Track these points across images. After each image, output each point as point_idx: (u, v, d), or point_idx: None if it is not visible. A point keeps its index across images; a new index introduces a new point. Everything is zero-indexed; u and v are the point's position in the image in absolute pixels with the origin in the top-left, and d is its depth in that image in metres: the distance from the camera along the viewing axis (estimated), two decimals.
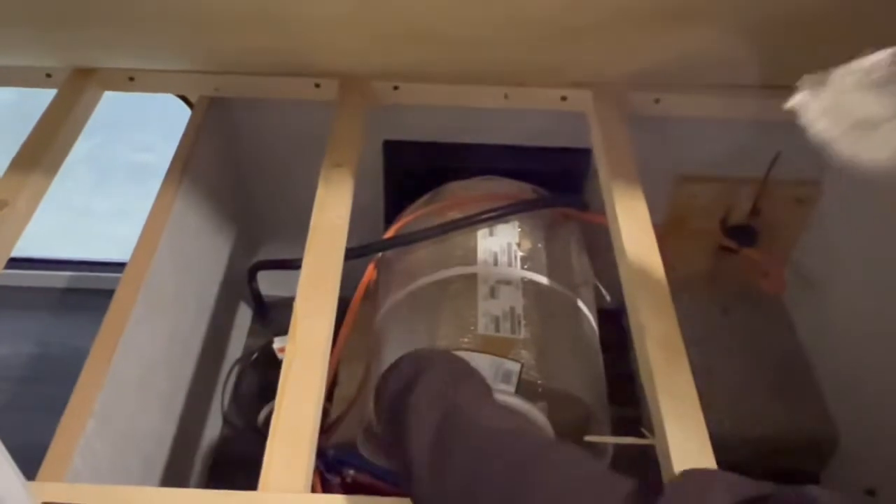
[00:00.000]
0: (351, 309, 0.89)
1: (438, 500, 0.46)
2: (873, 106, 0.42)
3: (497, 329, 0.80)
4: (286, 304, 0.98)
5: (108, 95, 0.94)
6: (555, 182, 1.03)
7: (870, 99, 0.42)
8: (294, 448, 0.56)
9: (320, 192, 0.77)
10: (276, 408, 0.58)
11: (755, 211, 1.17)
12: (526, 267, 0.89)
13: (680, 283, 1.01)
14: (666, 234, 1.09)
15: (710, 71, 0.88)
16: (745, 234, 1.17)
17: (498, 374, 0.74)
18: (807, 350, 1.17)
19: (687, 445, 0.58)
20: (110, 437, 0.70)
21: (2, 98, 2.04)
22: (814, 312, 1.16)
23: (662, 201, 1.13)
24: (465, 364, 0.59)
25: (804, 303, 1.19)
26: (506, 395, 0.71)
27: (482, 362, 0.74)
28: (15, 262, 0.77)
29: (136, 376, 0.76)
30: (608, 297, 1.10)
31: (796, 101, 0.43)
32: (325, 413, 0.95)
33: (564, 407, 0.78)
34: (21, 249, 0.75)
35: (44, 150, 0.81)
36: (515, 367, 0.74)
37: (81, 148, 0.89)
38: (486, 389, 0.56)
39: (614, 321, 1.10)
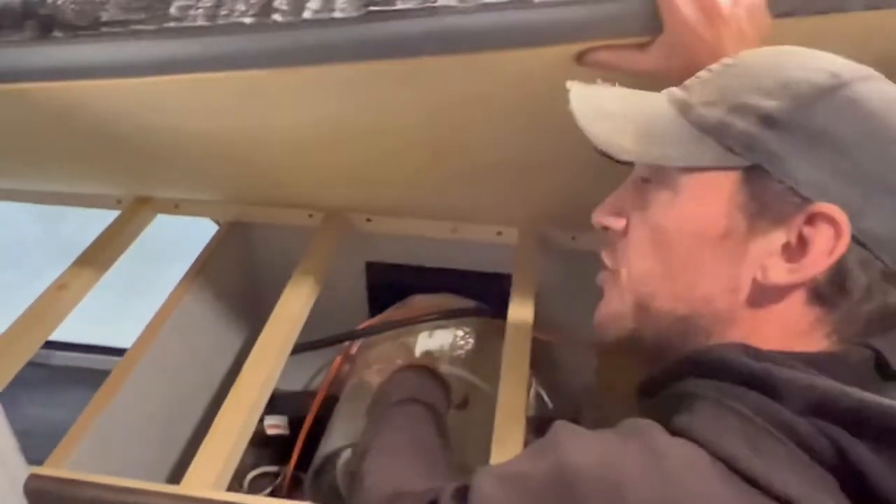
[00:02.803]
0: (324, 384, 1.17)
1: None
2: (608, 100, 0.54)
3: None
4: (290, 397, 1.24)
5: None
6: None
7: (607, 93, 0.55)
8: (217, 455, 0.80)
9: (286, 293, 1.04)
10: (213, 426, 0.82)
11: None
12: (456, 364, 1.12)
13: (617, 397, 1.20)
14: (605, 351, 1.30)
15: None
16: None
17: None
18: None
19: None
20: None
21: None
22: None
23: None
24: None
25: None
26: None
27: None
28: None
29: (136, 413, 1.01)
30: (550, 405, 1.31)
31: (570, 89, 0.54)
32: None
33: (465, 474, 0.98)
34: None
35: (102, 253, 1.12)
36: None
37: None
38: None
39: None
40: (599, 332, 0.57)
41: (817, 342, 0.47)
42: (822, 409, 0.41)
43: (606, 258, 0.57)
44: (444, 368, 0.99)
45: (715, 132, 0.48)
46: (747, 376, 0.44)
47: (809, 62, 0.48)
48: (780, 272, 0.46)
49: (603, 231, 0.57)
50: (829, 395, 0.41)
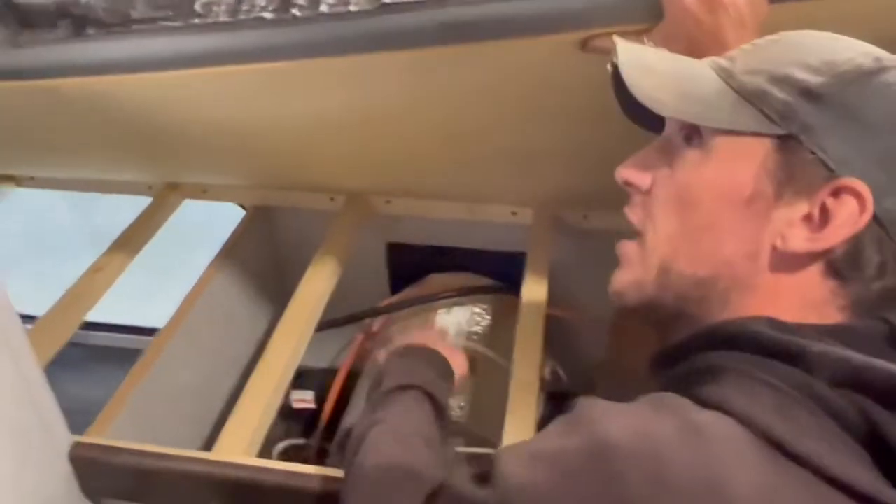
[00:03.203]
0: (347, 360, 1.22)
1: None
2: (654, 58, 0.54)
3: None
4: (315, 373, 1.29)
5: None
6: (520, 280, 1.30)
7: (652, 52, 0.55)
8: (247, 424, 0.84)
9: (309, 273, 1.08)
10: (241, 397, 0.87)
11: None
12: (471, 339, 1.16)
13: (628, 371, 1.23)
14: (617, 327, 1.33)
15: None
16: None
17: None
18: None
19: None
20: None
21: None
22: None
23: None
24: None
25: None
26: None
27: None
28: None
29: (169, 389, 1.07)
30: (565, 378, 1.34)
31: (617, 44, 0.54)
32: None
33: (478, 443, 1.02)
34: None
35: (135, 237, 1.17)
36: None
37: None
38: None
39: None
40: (616, 298, 0.57)
41: (832, 315, 0.48)
42: (854, 381, 0.41)
43: (632, 215, 0.56)
44: (461, 343, 1.02)
45: (755, 99, 0.49)
46: (778, 348, 0.44)
47: (855, 45, 0.49)
48: (799, 240, 0.47)
49: (625, 190, 0.57)
50: (861, 368, 0.41)
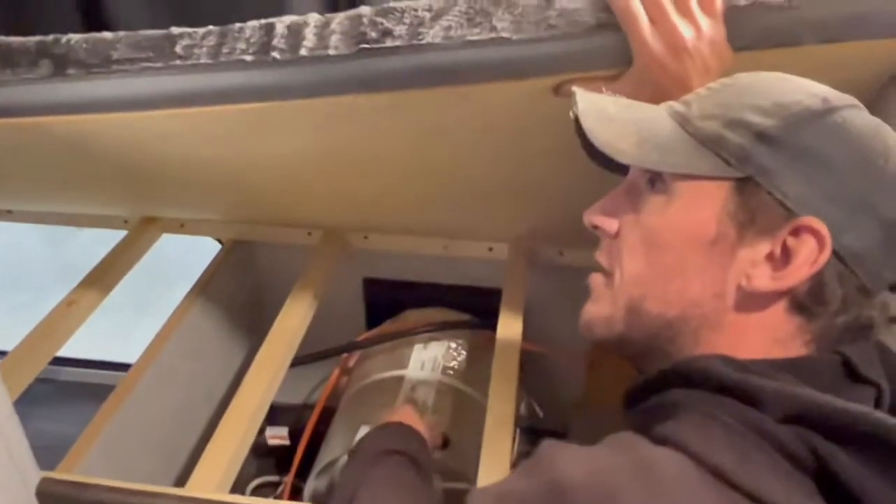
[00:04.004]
0: (322, 396, 1.21)
1: None
2: (612, 106, 0.56)
3: None
4: (290, 409, 1.28)
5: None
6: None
7: (610, 101, 0.56)
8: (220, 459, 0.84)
9: (286, 308, 1.08)
10: (216, 433, 0.86)
11: None
12: (447, 374, 1.17)
13: (605, 408, 1.24)
14: (593, 362, 1.34)
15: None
16: None
17: None
18: None
19: None
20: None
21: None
22: None
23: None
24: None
25: None
26: None
27: None
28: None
29: (141, 424, 1.06)
30: (541, 415, 1.35)
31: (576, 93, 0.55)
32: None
33: (454, 478, 1.02)
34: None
35: (110, 271, 1.17)
36: None
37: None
38: None
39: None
40: (586, 330, 0.58)
41: (797, 349, 0.49)
42: (802, 416, 0.43)
43: (601, 258, 0.58)
44: (428, 417, 1.03)
45: (711, 144, 0.50)
46: (729, 386, 0.45)
47: (804, 87, 0.51)
48: (763, 280, 0.48)
49: (594, 233, 0.59)
50: (808, 404, 0.43)
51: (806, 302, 0.48)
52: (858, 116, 0.50)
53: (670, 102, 0.56)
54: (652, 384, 0.51)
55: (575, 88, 0.57)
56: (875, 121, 0.50)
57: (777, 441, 0.42)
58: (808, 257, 0.47)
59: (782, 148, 0.48)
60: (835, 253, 0.47)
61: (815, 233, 0.46)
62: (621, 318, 0.55)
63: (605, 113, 0.55)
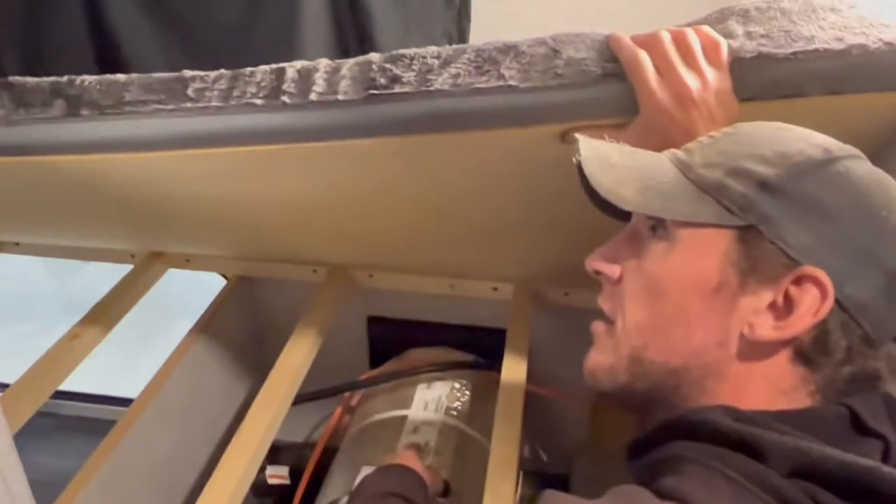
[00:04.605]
0: (324, 435, 1.20)
1: None
2: (614, 153, 0.56)
3: None
4: (291, 448, 1.28)
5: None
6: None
7: (613, 148, 0.56)
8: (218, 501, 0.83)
9: (289, 345, 1.08)
10: (215, 473, 0.86)
11: None
12: (450, 414, 1.16)
13: (610, 452, 1.23)
14: (597, 406, 1.33)
15: None
16: None
17: None
18: None
19: None
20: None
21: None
22: None
23: None
24: None
25: None
26: None
27: None
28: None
29: (141, 461, 1.05)
30: (545, 458, 1.34)
31: (579, 139, 0.56)
32: None
33: None
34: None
35: (115, 305, 1.17)
36: None
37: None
38: None
39: (557, 483, 1.31)
40: (589, 380, 0.58)
41: (801, 400, 0.49)
42: (807, 470, 0.42)
43: (603, 304, 0.58)
44: (430, 458, 1.03)
45: (714, 192, 0.50)
46: (733, 439, 0.45)
47: (805, 137, 0.51)
48: (766, 329, 0.47)
49: (596, 279, 0.59)
50: (814, 457, 0.42)
51: (809, 352, 0.48)
52: (860, 167, 0.50)
53: (672, 150, 0.56)
54: (655, 436, 0.51)
55: (578, 135, 0.57)
56: (878, 171, 0.51)
57: (782, 496, 0.42)
58: (811, 307, 0.46)
59: (784, 197, 0.48)
60: (838, 303, 0.46)
61: (817, 282, 0.46)
62: (625, 367, 0.55)
63: (608, 159, 0.55)
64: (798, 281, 0.47)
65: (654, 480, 0.45)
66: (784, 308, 0.48)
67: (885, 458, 0.47)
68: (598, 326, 0.59)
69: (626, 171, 0.54)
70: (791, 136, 0.52)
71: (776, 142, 0.51)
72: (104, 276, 1.28)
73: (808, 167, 0.48)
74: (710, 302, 0.50)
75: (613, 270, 0.57)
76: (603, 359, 0.57)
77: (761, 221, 0.48)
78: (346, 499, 1.05)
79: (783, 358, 0.48)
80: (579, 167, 0.55)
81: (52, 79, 0.69)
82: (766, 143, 0.51)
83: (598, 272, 0.58)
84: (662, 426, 0.50)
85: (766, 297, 0.48)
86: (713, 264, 0.50)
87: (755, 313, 0.48)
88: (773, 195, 0.48)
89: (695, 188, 0.51)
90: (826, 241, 0.47)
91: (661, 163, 0.55)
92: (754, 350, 0.49)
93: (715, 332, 0.50)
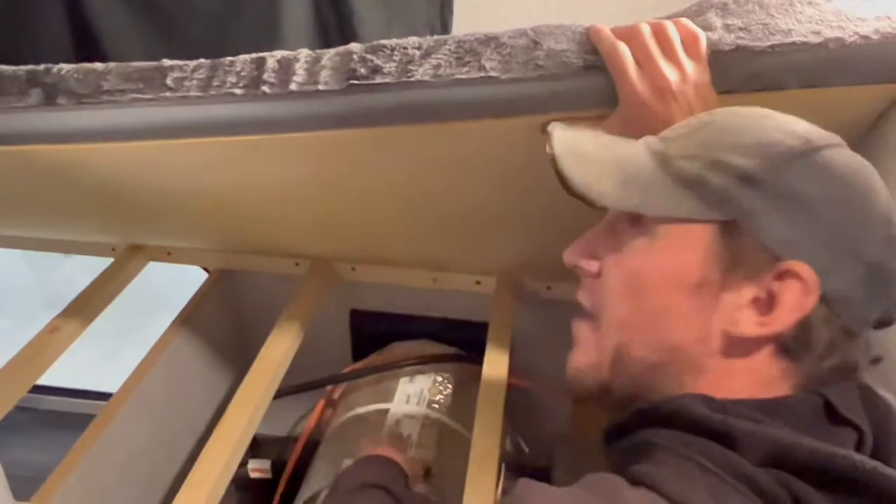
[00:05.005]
0: (306, 429, 1.20)
1: None
2: (589, 145, 0.56)
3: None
4: (273, 442, 1.27)
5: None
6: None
7: (588, 138, 0.57)
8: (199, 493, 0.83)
9: (271, 339, 1.07)
10: (195, 465, 0.85)
11: None
12: (433, 407, 1.16)
13: (591, 444, 1.24)
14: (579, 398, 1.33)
15: None
16: None
17: None
18: None
19: None
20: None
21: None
22: None
23: None
24: None
25: None
26: None
27: None
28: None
29: (121, 455, 1.04)
30: (527, 450, 1.34)
31: (552, 132, 0.56)
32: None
33: None
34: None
35: (95, 298, 1.16)
36: None
37: None
38: None
39: (538, 476, 1.31)
40: (573, 381, 0.58)
41: (780, 392, 0.48)
42: (779, 459, 0.42)
43: (583, 299, 0.58)
44: (412, 451, 1.03)
45: (693, 185, 0.49)
46: (707, 428, 0.45)
47: (785, 125, 0.50)
48: (749, 325, 0.47)
49: (575, 272, 0.59)
50: (787, 446, 0.43)
51: (792, 346, 0.48)
52: (841, 155, 0.49)
53: (648, 138, 0.56)
54: (631, 422, 0.51)
55: (550, 128, 0.57)
56: (858, 160, 0.50)
57: (755, 485, 0.42)
58: (794, 303, 0.46)
59: (765, 189, 0.47)
60: (821, 297, 0.46)
61: (800, 277, 0.46)
62: (608, 364, 0.54)
63: (583, 153, 0.55)
64: (781, 276, 0.46)
65: (627, 466, 0.45)
66: (767, 304, 0.47)
67: (859, 447, 0.48)
68: (579, 328, 0.58)
69: (601, 164, 0.54)
70: (770, 124, 0.51)
71: (756, 131, 0.50)
72: (84, 270, 1.27)
73: (789, 158, 0.48)
74: (692, 298, 0.50)
75: (592, 266, 0.56)
76: (586, 358, 0.56)
77: (742, 215, 0.48)
78: (326, 492, 1.05)
79: (766, 353, 0.48)
80: (553, 161, 0.55)
81: (29, 67, 0.68)
82: (746, 134, 0.50)
83: (576, 267, 0.58)
84: (638, 412, 0.50)
85: (749, 292, 0.48)
86: (694, 260, 0.49)
87: (738, 309, 0.48)
88: (754, 188, 0.47)
89: (674, 182, 0.51)
90: (808, 234, 0.47)
91: (637, 154, 0.54)
92: (737, 346, 0.48)
93: (697, 327, 0.49)
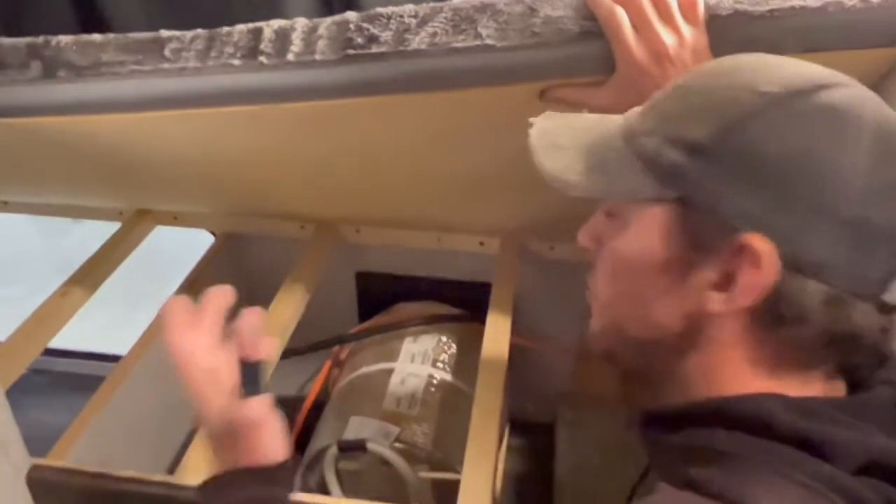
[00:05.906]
0: (313, 388, 1.23)
1: None
2: (564, 136, 0.54)
3: (398, 406, 1.09)
4: (281, 402, 1.29)
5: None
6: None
7: (566, 125, 0.55)
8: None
9: (277, 300, 1.09)
10: None
11: None
12: (437, 366, 1.18)
13: (593, 400, 1.26)
14: (581, 355, 1.35)
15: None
16: None
17: (381, 433, 1.02)
18: None
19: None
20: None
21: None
22: None
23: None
24: None
25: None
26: (381, 447, 1.00)
27: (373, 425, 1.03)
28: None
29: (131, 415, 1.07)
30: (531, 408, 1.37)
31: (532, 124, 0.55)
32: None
33: (442, 468, 1.04)
34: None
35: (104, 262, 1.18)
36: (394, 430, 1.03)
37: None
38: None
39: (542, 432, 1.34)
40: (592, 342, 0.57)
41: (785, 367, 0.46)
42: (874, 467, 0.41)
43: (590, 280, 0.57)
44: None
45: (650, 164, 0.47)
46: (794, 436, 0.42)
47: (738, 80, 0.46)
48: (717, 303, 0.45)
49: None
50: (881, 453, 0.41)
51: (769, 319, 0.45)
52: (812, 105, 0.44)
53: (630, 112, 0.53)
54: (681, 415, 0.48)
55: (532, 120, 0.55)
56: (833, 107, 0.44)
57: (852, 496, 0.40)
58: (750, 279, 0.43)
59: (717, 159, 0.44)
60: (792, 264, 0.43)
61: (751, 251, 0.43)
62: (606, 335, 0.55)
63: (556, 142, 0.53)
64: (737, 251, 0.44)
65: (690, 469, 0.43)
66: (727, 281, 0.45)
67: None
68: (590, 296, 0.58)
69: (572, 153, 0.52)
70: (723, 81, 0.47)
71: (707, 92, 0.47)
72: (94, 237, 1.28)
73: (740, 119, 0.44)
74: (662, 278, 0.48)
75: (591, 248, 0.56)
76: (593, 327, 0.56)
77: (693, 191, 0.45)
78: (334, 448, 1.07)
79: (745, 326, 0.46)
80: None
81: (28, 39, 0.68)
82: (698, 97, 0.47)
83: (585, 249, 0.57)
84: (696, 405, 0.48)
85: (710, 270, 0.46)
86: (658, 241, 0.48)
87: (706, 286, 0.46)
88: (705, 159, 0.44)
89: (637, 161, 0.48)
90: (766, 201, 0.43)
91: (613, 137, 0.52)
92: (716, 322, 0.47)
93: (674, 307, 0.48)
